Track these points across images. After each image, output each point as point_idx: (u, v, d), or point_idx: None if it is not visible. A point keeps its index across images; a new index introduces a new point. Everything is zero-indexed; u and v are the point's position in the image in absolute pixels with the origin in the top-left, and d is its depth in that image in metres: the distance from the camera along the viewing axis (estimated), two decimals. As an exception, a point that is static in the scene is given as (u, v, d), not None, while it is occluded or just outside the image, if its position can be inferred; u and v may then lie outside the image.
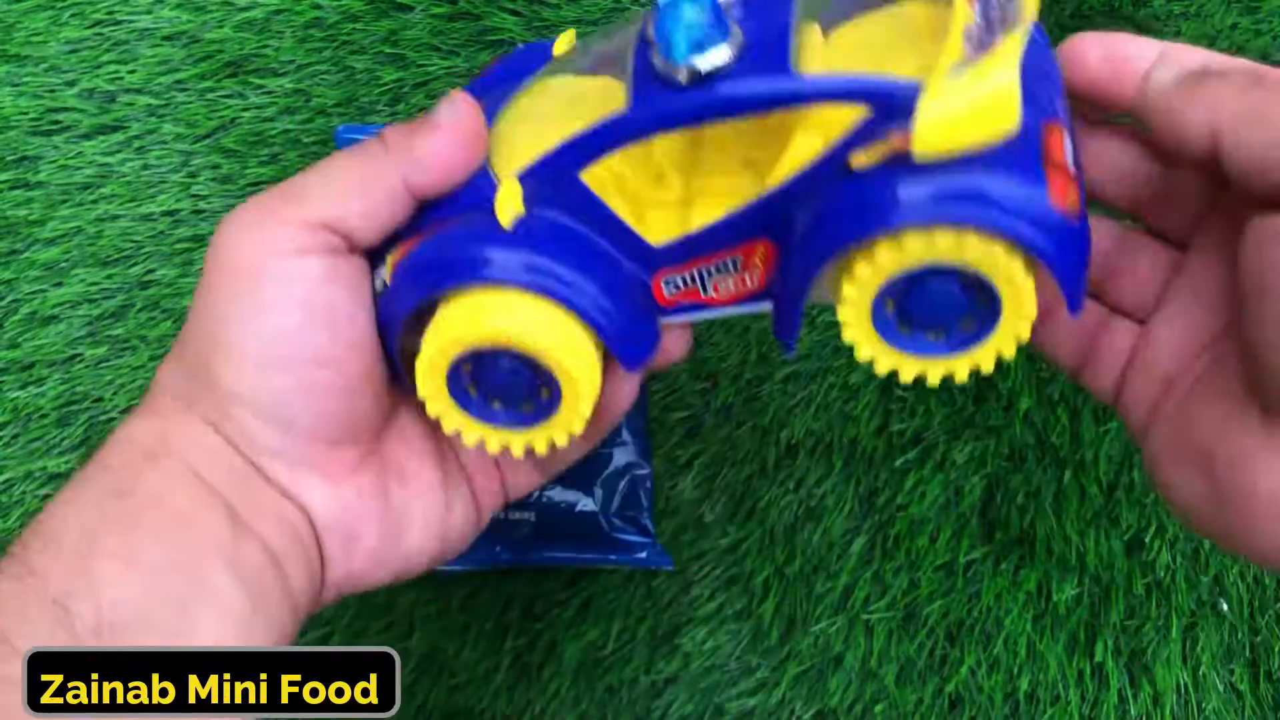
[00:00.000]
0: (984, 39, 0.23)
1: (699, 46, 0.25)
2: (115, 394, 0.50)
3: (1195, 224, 0.27)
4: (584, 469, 0.46)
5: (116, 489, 0.27)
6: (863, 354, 0.26)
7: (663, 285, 0.28)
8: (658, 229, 0.28)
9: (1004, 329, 0.25)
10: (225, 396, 0.28)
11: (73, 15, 0.52)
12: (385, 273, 0.29)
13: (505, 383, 0.28)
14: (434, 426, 0.31)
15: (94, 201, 0.50)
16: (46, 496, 0.47)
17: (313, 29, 0.51)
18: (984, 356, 0.26)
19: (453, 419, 0.29)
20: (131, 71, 0.51)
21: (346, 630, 0.46)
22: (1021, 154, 0.24)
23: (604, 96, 0.27)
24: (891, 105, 0.24)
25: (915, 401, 0.49)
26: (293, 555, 0.28)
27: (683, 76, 0.25)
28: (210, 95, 0.51)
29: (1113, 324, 0.28)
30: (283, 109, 0.51)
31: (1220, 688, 0.46)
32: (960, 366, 0.26)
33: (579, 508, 0.46)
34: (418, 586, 0.47)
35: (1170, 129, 0.24)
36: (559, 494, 0.46)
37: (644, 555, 0.46)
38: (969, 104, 0.22)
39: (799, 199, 0.26)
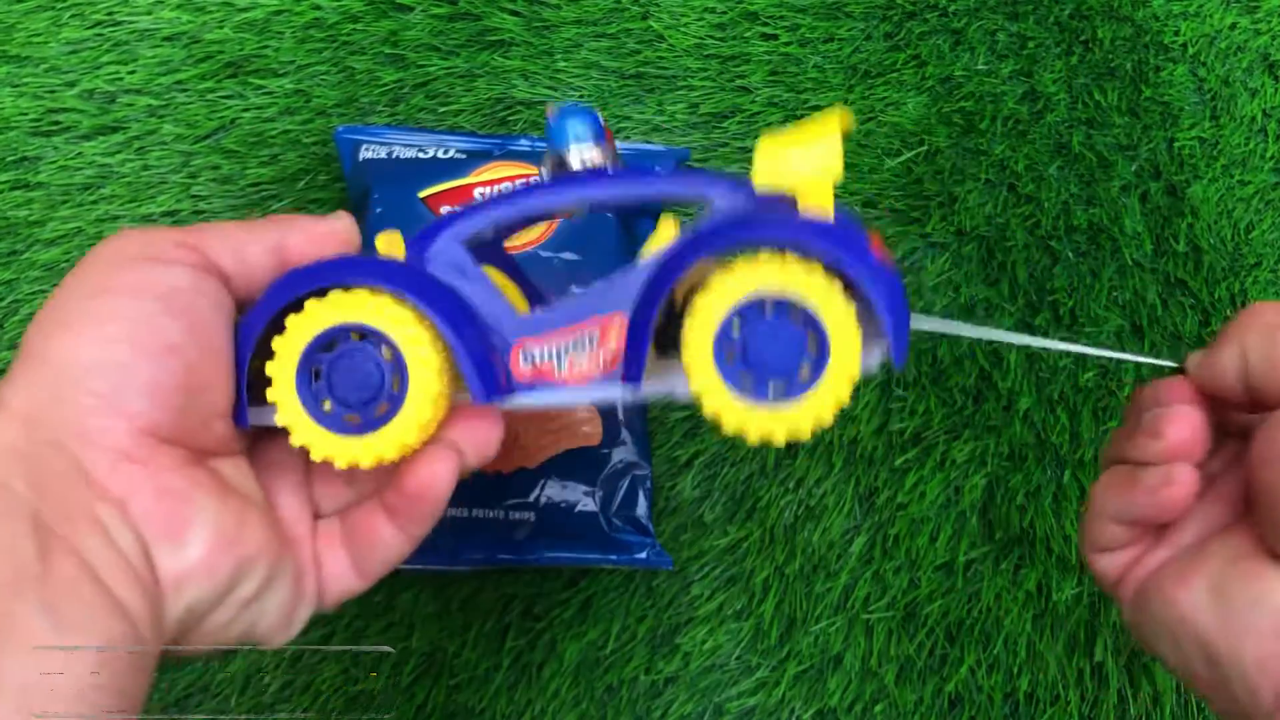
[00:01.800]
0: None
1: (579, 139, 0.30)
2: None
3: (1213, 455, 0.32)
4: (584, 469, 0.46)
5: None
6: (708, 405, 0.28)
7: (520, 356, 0.30)
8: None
9: (834, 367, 0.27)
10: (61, 368, 0.26)
11: (73, 16, 0.52)
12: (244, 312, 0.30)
13: (354, 379, 0.29)
14: (261, 489, 0.30)
15: (94, 202, 0.50)
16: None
17: (313, 29, 0.51)
18: (823, 404, 0.27)
19: (290, 410, 0.29)
20: (131, 72, 0.51)
21: (346, 630, 0.46)
22: (846, 224, 0.28)
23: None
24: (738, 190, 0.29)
25: (915, 401, 0.49)
26: (113, 563, 0.25)
27: (563, 162, 0.30)
28: (210, 95, 0.51)
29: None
30: (283, 109, 0.51)
31: (1220, 687, 0.46)
32: (804, 420, 0.27)
33: (579, 508, 0.46)
34: (417, 586, 0.47)
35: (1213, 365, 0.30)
36: (559, 494, 0.46)
37: (644, 555, 0.46)
38: (800, 145, 0.28)
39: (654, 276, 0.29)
